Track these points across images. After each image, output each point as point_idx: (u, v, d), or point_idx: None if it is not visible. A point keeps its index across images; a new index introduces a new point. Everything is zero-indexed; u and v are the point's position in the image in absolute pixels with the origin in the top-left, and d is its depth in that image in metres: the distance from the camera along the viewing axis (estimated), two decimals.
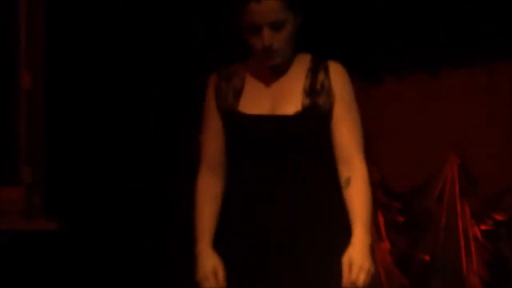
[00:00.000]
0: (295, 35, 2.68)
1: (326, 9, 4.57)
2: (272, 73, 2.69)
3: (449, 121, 5.18)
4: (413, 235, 5.34)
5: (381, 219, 5.39)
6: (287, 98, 2.66)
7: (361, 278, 2.57)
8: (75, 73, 4.70)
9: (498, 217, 5.11)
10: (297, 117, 2.63)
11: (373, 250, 2.65)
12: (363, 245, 2.59)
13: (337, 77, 2.68)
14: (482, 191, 5.19)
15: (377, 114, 5.16)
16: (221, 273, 2.66)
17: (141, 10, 4.76)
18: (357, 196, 2.62)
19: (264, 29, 2.61)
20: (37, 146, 4.37)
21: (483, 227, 5.12)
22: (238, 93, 2.70)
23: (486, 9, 4.77)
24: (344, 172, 2.65)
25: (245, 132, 2.66)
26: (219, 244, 2.70)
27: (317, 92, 2.65)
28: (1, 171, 4.31)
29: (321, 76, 2.67)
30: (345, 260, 2.59)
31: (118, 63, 4.81)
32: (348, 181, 2.64)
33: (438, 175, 5.25)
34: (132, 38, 4.80)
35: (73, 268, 4.65)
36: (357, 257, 2.58)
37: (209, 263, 2.66)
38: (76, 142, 4.76)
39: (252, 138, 2.65)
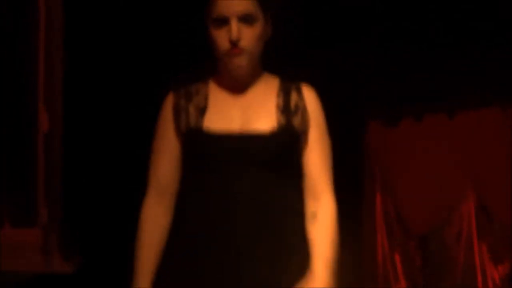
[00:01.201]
0: (264, 45, 2.53)
1: (348, 50, 4.58)
2: (239, 88, 2.53)
3: (466, 160, 5.18)
4: (430, 275, 5.31)
5: (397, 258, 5.37)
6: (259, 114, 2.50)
7: None
8: (92, 115, 4.72)
9: None
10: (273, 135, 2.46)
11: None
12: (320, 283, 2.39)
13: (312, 100, 2.54)
14: (500, 229, 5.17)
15: (396, 153, 5.17)
16: None
17: (159, 52, 4.77)
18: (321, 233, 2.46)
19: (233, 21, 2.45)
20: (54, 187, 4.37)
21: (501, 267, 5.09)
22: (202, 111, 2.51)
23: (501, 52, 4.79)
24: (311, 206, 2.50)
25: (213, 151, 2.45)
26: (161, 285, 2.49)
27: (291, 111, 2.50)
28: (18, 213, 4.31)
29: (294, 96, 2.52)
30: None
31: (133, 105, 4.82)
32: (314, 215, 2.49)
33: (455, 214, 5.24)
34: (147, 81, 4.81)
35: None
36: None
37: None
38: (93, 182, 4.77)
39: (220, 158, 2.44)
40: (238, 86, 2.53)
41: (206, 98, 2.53)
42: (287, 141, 2.48)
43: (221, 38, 2.47)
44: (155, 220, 2.53)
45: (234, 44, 2.45)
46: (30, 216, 4.32)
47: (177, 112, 2.53)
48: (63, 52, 4.35)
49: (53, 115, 4.33)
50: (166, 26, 4.80)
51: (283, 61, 2.71)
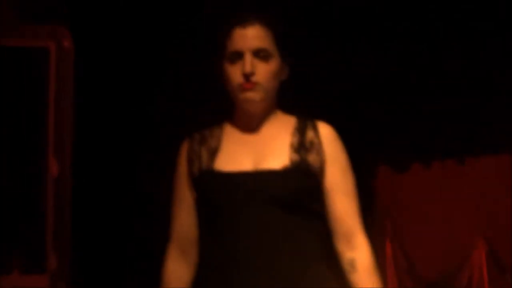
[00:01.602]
0: (279, 84, 2.49)
1: (356, 100, 4.59)
2: (252, 128, 2.48)
3: (476, 207, 5.16)
4: None
5: None
6: (272, 153, 2.43)
7: None
8: (101, 161, 4.74)
9: None
10: (285, 172, 2.38)
11: None
12: None
13: (328, 137, 2.47)
14: (511, 277, 5.13)
15: (406, 200, 5.15)
16: None
17: (168, 101, 4.79)
18: (367, 283, 2.39)
19: (247, 55, 2.42)
20: (63, 233, 4.37)
21: None
22: (213, 153, 2.46)
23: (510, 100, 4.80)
24: (346, 253, 2.41)
25: (223, 190, 2.39)
26: None
27: (306, 149, 2.43)
28: (27, 259, 4.31)
29: (309, 134, 2.46)
30: None
31: (140, 152, 4.84)
32: (353, 263, 2.40)
33: (466, 262, 5.21)
34: (155, 128, 4.83)
35: None
36: None
37: None
38: (101, 227, 4.77)
39: (230, 196, 2.37)
40: (251, 125, 2.50)
41: (219, 140, 2.50)
42: (301, 178, 2.39)
43: (235, 72, 2.44)
44: (177, 273, 2.50)
45: (247, 77, 2.43)
46: (39, 262, 4.31)
47: (191, 158, 2.50)
48: (73, 101, 4.39)
49: (63, 161, 4.35)
50: (176, 74, 4.83)
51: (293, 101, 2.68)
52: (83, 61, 4.47)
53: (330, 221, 2.44)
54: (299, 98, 2.71)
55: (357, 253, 2.41)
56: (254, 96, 2.44)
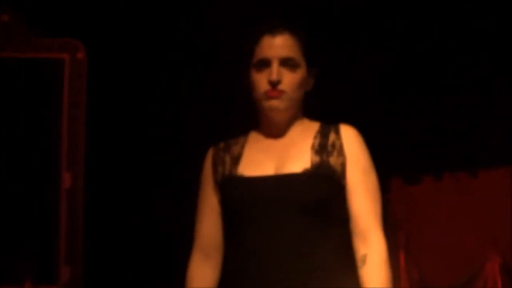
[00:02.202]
0: (305, 94, 2.51)
1: (367, 112, 4.59)
2: (276, 135, 2.50)
3: (489, 219, 5.14)
4: None
5: None
6: (293, 157, 2.43)
7: None
8: (114, 172, 4.74)
9: None
10: (306, 174, 2.39)
11: None
12: None
13: (350, 139, 2.46)
14: None
15: (417, 212, 5.14)
16: None
17: (182, 102, 4.79)
18: (374, 276, 2.35)
19: (274, 63, 2.44)
20: (76, 245, 4.37)
21: None
22: (236, 159, 2.49)
23: None
24: (360, 249, 2.40)
25: (244, 196, 2.40)
26: None
27: (327, 151, 2.43)
28: (39, 271, 4.31)
29: (331, 137, 2.46)
30: None
31: (155, 161, 4.83)
32: (364, 259, 2.38)
33: (479, 275, 5.18)
34: (173, 136, 4.83)
35: None
36: None
37: None
38: (114, 239, 4.77)
39: (253, 201, 2.38)
40: (275, 133, 2.51)
41: (242, 147, 2.52)
42: (323, 180, 2.39)
43: (261, 80, 2.46)
44: (201, 279, 2.50)
45: (273, 85, 2.44)
46: (51, 274, 4.32)
47: (215, 166, 2.52)
48: (86, 113, 4.40)
49: (75, 172, 4.36)
50: (190, 82, 4.83)
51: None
52: (97, 73, 4.48)
53: (350, 219, 2.43)
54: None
55: (370, 249, 2.39)
56: (279, 104, 2.45)
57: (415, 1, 4.81)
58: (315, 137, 2.47)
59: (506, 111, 4.88)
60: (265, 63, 2.47)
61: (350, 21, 4.76)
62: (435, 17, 4.78)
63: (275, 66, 2.44)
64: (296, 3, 4.13)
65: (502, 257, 5.15)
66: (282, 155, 2.46)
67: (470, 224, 5.21)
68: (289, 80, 2.46)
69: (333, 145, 2.44)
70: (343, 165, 2.43)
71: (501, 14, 4.72)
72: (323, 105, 2.64)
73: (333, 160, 2.42)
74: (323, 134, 2.47)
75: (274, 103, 2.45)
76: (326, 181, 2.40)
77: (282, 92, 2.45)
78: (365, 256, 2.38)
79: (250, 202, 2.39)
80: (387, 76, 4.88)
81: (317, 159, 2.41)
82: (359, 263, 2.39)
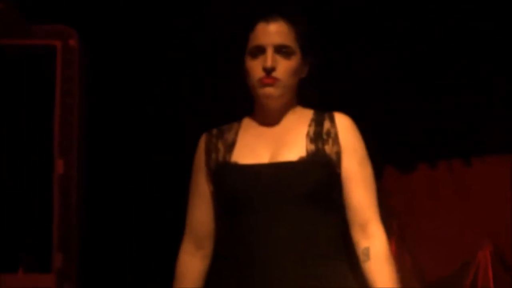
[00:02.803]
0: (299, 80, 2.51)
1: (359, 100, 4.59)
2: (270, 122, 2.50)
3: (482, 208, 5.15)
4: None
5: None
6: (288, 145, 2.43)
7: None
8: (109, 160, 4.73)
9: None
10: (301, 162, 2.38)
11: None
12: None
13: (345, 127, 2.46)
14: None
15: (411, 200, 5.14)
16: None
17: (172, 103, 4.78)
18: (381, 273, 2.35)
19: (268, 50, 2.44)
20: (69, 231, 4.38)
21: None
22: (230, 146, 2.48)
23: None
24: (361, 242, 2.40)
25: (239, 184, 2.38)
26: None
27: (322, 139, 2.43)
28: (32, 258, 4.31)
29: (326, 125, 2.46)
30: None
31: (150, 148, 4.83)
32: (367, 252, 2.38)
33: (471, 263, 5.19)
34: (168, 124, 4.82)
35: None
36: None
37: None
38: (108, 226, 4.76)
39: (248, 189, 2.37)
40: (269, 120, 2.51)
41: (236, 134, 2.51)
42: (318, 168, 2.39)
43: (256, 67, 2.46)
44: (191, 266, 2.49)
45: (267, 72, 2.44)
46: (45, 261, 4.32)
47: (208, 152, 2.51)
48: (79, 100, 4.40)
49: (69, 159, 4.36)
50: (186, 73, 4.83)
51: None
52: (95, 61, 4.48)
53: (346, 211, 2.43)
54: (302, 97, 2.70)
55: (372, 242, 2.39)
56: (273, 91, 2.45)
57: (415, 1, 4.81)
58: (309, 125, 2.47)
59: (500, 100, 4.89)
60: (259, 50, 2.46)
61: (350, 20, 4.77)
62: (435, 17, 4.79)
63: (269, 53, 2.44)
64: (296, 2, 4.14)
65: (494, 245, 5.16)
66: (276, 142, 2.45)
67: (464, 212, 5.22)
68: (284, 67, 2.45)
69: (328, 133, 2.44)
70: (338, 154, 2.43)
71: (501, 14, 4.73)
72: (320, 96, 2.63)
73: (328, 148, 2.42)
74: (317, 122, 2.47)
75: (268, 90, 2.45)
76: (321, 169, 2.39)
77: (276, 79, 2.45)
78: (367, 249, 2.39)
79: (245, 190, 2.38)
80: (379, 65, 4.88)
81: (312, 147, 2.41)
82: (362, 257, 2.39)
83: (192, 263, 2.49)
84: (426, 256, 5.24)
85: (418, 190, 5.22)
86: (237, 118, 2.59)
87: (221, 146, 2.48)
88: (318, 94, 2.64)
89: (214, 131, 2.54)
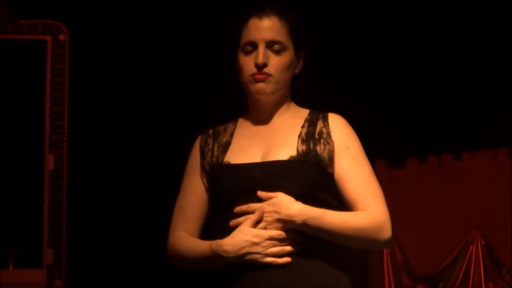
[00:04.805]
0: (292, 78, 2.49)
1: (351, 95, 4.60)
2: (264, 121, 2.48)
3: (473, 202, 5.16)
4: None
5: None
6: (280, 144, 2.41)
7: (271, 204, 2.29)
8: (97, 156, 4.73)
9: None
10: (291, 162, 2.36)
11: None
12: (302, 207, 2.30)
13: (338, 127, 2.44)
14: (508, 272, 5.13)
15: (401, 195, 5.15)
16: None
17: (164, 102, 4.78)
18: (351, 214, 2.35)
19: (260, 45, 2.42)
20: (59, 227, 4.38)
21: None
22: (225, 147, 2.46)
23: (506, 93, 4.81)
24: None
25: (231, 183, 2.38)
26: None
27: (314, 139, 2.41)
28: (23, 254, 4.31)
29: (319, 125, 2.44)
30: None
31: (137, 145, 4.83)
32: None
33: (462, 257, 5.20)
34: (155, 119, 4.82)
35: None
36: (285, 197, 2.31)
37: None
38: (97, 222, 4.76)
39: (239, 188, 2.36)
40: (263, 117, 2.50)
41: (231, 135, 2.50)
42: (308, 168, 2.37)
43: (248, 63, 2.44)
44: (189, 237, 2.47)
45: (259, 68, 2.42)
46: (35, 257, 4.32)
47: (203, 151, 2.50)
48: (68, 94, 4.39)
49: (59, 155, 4.35)
50: (174, 70, 4.83)
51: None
52: (82, 56, 4.47)
53: (349, 207, 2.39)
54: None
55: (368, 211, 2.36)
56: (265, 87, 2.44)
57: (415, 1, 4.83)
58: (302, 126, 2.45)
59: (491, 95, 4.90)
60: (252, 46, 2.45)
61: (340, 18, 4.78)
62: (423, 16, 4.82)
63: (261, 49, 2.43)
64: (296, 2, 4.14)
65: (486, 239, 5.18)
66: (269, 142, 2.44)
67: (454, 207, 5.23)
68: (276, 63, 2.43)
69: (320, 134, 2.42)
70: (331, 154, 2.40)
71: (501, 14, 4.74)
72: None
73: (320, 148, 2.40)
74: (311, 123, 2.45)
75: (260, 86, 2.43)
76: (311, 169, 2.37)
77: (268, 75, 2.43)
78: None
79: (236, 189, 2.37)
80: (374, 62, 4.89)
81: (303, 147, 2.39)
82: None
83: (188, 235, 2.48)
84: (416, 250, 5.25)
85: (408, 185, 5.23)
86: (230, 117, 2.59)
87: (215, 147, 2.48)
88: (311, 89, 2.63)
89: (210, 131, 2.54)
